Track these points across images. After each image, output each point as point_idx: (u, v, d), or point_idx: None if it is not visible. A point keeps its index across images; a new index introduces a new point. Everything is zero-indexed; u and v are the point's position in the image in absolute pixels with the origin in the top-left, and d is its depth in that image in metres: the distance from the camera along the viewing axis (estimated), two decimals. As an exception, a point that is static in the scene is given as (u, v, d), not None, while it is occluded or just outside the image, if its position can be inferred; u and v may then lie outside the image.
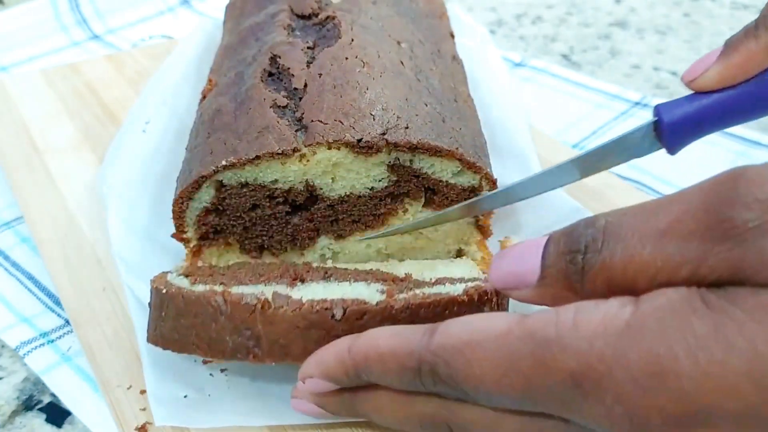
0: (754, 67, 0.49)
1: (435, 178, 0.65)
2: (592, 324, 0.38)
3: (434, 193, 0.66)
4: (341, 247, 0.68)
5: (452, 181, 0.65)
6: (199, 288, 0.55)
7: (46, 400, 0.65)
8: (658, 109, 0.56)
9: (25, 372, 0.67)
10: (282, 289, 0.55)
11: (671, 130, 0.55)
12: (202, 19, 1.09)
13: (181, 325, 0.54)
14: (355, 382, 0.49)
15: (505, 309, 0.57)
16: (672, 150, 0.56)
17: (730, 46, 0.53)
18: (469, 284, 0.54)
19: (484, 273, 0.62)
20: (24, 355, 0.67)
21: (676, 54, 1.23)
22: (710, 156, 0.89)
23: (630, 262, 0.39)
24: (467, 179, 0.65)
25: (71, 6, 1.29)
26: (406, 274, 0.60)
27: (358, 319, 0.50)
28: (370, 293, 0.54)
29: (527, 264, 0.43)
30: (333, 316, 0.50)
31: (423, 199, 0.66)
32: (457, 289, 0.53)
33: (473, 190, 0.65)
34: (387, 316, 0.50)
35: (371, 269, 0.63)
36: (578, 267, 0.40)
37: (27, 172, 0.87)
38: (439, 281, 0.58)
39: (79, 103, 1.01)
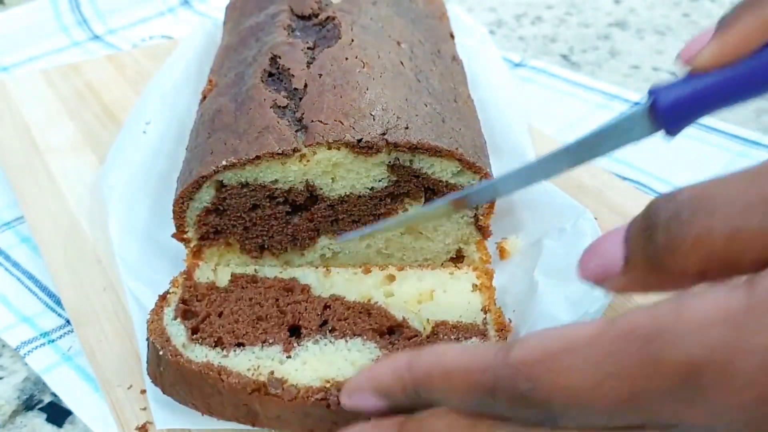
0: (749, 44, 0.45)
1: (435, 178, 0.65)
2: (704, 311, 0.34)
3: (434, 193, 0.66)
4: (341, 246, 0.68)
5: (452, 181, 0.65)
6: (197, 353, 0.55)
7: (47, 399, 0.65)
8: (653, 92, 0.52)
9: (26, 372, 0.67)
10: (278, 358, 0.55)
11: (668, 112, 0.51)
12: (202, 20, 1.09)
13: (180, 387, 0.55)
14: (411, 400, 0.44)
15: None
16: (671, 132, 0.52)
17: (725, 23, 0.49)
18: (468, 341, 0.56)
19: (479, 288, 0.62)
20: (25, 354, 0.67)
21: (675, 54, 1.23)
22: (710, 156, 0.89)
23: (735, 235, 0.35)
24: (467, 179, 0.65)
25: (71, 6, 1.30)
26: (404, 318, 0.60)
27: None
28: (364, 362, 0.55)
29: (611, 253, 0.40)
30: (329, 405, 0.51)
31: (423, 199, 0.66)
32: None
33: None
34: None
35: (370, 303, 0.61)
36: (658, 245, 0.37)
37: (27, 172, 0.87)
38: (437, 331, 0.58)
39: (80, 104, 1.01)
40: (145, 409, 0.59)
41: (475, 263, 0.68)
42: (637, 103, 1.04)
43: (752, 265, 0.35)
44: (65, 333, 0.69)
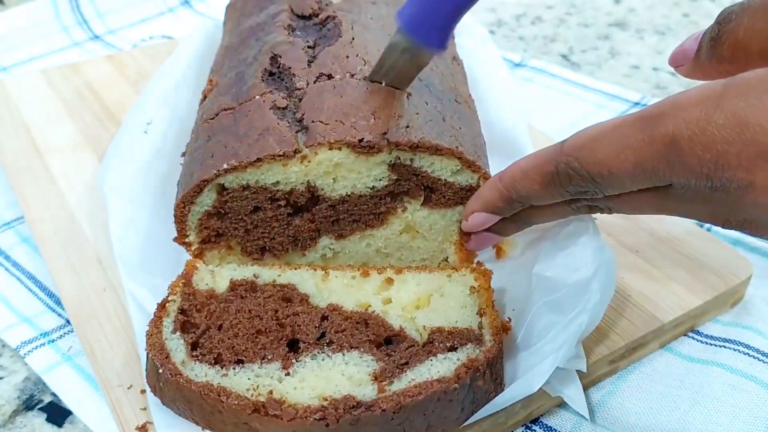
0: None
1: (434, 177, 0.65)
2: (689, 96, 0.47)
3: (432, 192, 0.66)
4: (342, 246, 0.68)
5: (451, 180, 0.65)
6: (196, 372, 0.56)
7: (47, 399, 0.65)
8: (398, 15, 0.62)
9: (26, 371, 0.67)
10: (277, 376, 0.56)
11: (411, 25, 0.62)
12: (202, 20, 1.09)
13: (180, 403, 0.55)
14: (511, 207, 0.60)
15: (500, 376, 0.57)
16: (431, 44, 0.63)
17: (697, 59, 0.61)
18: (462, 354, 0.56)
19: (477, 290, 0.63)
20: (25, 354, 0.67)
21: (675, 54, 1.23)
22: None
23: (748, 29, 0.51)
24: (465, 178, 0.65)
25: (72, 6, 1.30)
26: (401, 327, 0.60)
27: (353, 424, 0.52)
28: (361, 377, 0.55)
29: (689, 44, 0.58)
30: (327, 425, 0.52)
31: (422, 198, 0.66)
32: (449, 367, 0.55)
33: (471, 189, 0.65)
34: (379, 415, 0.52)
35: (367, 312, 0.61)
36: (715, 34, 0.54)
37: (28, 172, 0.87)
38: (432, 339, 0.58)
39: (80, 104, 1.01)
40: (145, 409, 0.59)
41: (455, 263, 0.68)
42: (637, 104, 1.04)
43: (759, 55, 0.51)
44: (65, 333, 0.69)
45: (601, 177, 0.51)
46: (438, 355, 0.57)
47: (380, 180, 0.64)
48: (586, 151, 0.52)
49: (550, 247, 0.64)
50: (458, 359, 0.56)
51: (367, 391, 0.54)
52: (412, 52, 0.63)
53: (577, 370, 0.58)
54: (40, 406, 0.64)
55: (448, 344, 0.58)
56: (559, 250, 0.62)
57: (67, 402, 0.63)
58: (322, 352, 0.58)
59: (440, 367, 0.56)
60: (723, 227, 0.52)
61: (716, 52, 0.54)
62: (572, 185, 0.54)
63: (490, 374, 0.56)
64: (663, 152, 0.48)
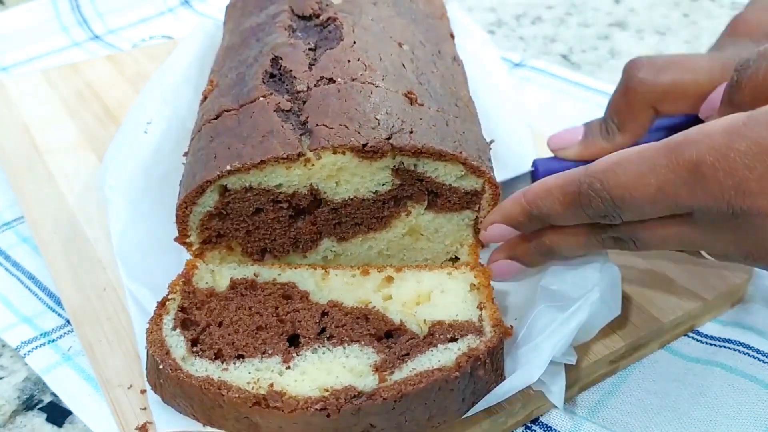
0: (605, 155, 0.60)
1: (439, 182, 0.65)
2: (714, 124, 0.49)
3: (437, 196, 0.66)
4: (343, 248, 0.68)
5: (455, 185, 0.65)
6: (197, 367, 0.56)
7: (47, 399, 0.65)
8: (535, 163, 0.76)
9: (26, 371, 0.67)
10: (278, 369, 0.56)
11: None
12: (202, 20, 1.09)
13: (180, 399, 0.55)
14: (531, 223, 0.60)
15: (500, 367, 0.58)
16: None
17: (588, 137, 0.73)
18: (462, 344, 0.56)
19: (477, 287, 0.63)
20: (25, 354, 0.67)
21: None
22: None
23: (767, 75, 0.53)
24: (470, 183, 0.65)
25: (72, 6, 1.30)
26: (401, 320, 0.60)
27: (354, 414, 0.52)
28: (362, 368, 0.55)
29: (716, 95, 0.63)
30: (329, 415, 0.52)
31: (426, 202, 0.66)
32: (449, 357, 0.55)
33: (475, 194, 0.65)
34: (380, 404, 0.52)
35: (368, 308, 0.61)
36: (734, 81, 0.56)
37: (28, 172, 0.87)
38: (433, 331, 0.58)
39: (80, 104, 1.01)
40: (145, 409, 0.59)
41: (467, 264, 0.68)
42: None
43: None
44: (65, 333, 0.69)
45: (622, 200, 0.52)
46: (439, 345, 0.57)
47: (383, 184, 0.64)
48: (609, 173, 0.53)
49: (558, 264, 0.64)
50: (459, 349, 0.56)
51: (368, 382, 0.54)
52: None
53: (569, 367, 0.59)
54: (40, 406, 0.64)
55: (448, 336, 0.58)
56: (567, 267, 0.63)
57: (67, 402, 0.63)
58: (323, 346, 0.58)
59: (441, 356, 0.55)
60: (745, 263, 0.53)
61: (736, 98, 0.56)
62: (592, 207, 0.54)
63: (490, 363, 0.56)
64: (685, 177, 0.48)
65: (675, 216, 0.52)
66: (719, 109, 0.58)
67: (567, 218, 0.58)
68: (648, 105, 0.68)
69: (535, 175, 0.75)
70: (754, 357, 0.66)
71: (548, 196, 0.57)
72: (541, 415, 0.62)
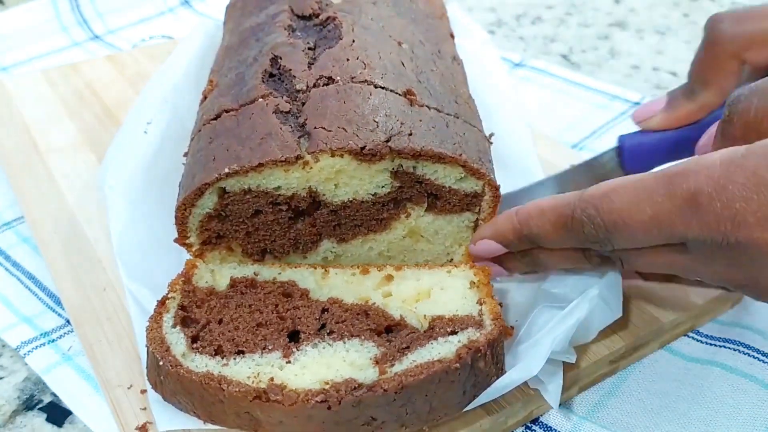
0: (690, 120, 0.61)
1: (438, 184, 0.64)
2: (713, 156, 0.49)
3: (437, 198, 0.66)
4: (343, 249, 0.68)
5: (455, 187, 0.65)
6: (197, 363, 0.56)
7: (47, 399, 0.65)
8: (621, 138, 0.73)
9: (26, 371, 0.67)
10: (278, 364, 0.56)
11: (630, 155, 0.71)
12: (202, 20, 1.09)
13: (181, 396, 0.55)
14: (520, 242, 0.60)
15: (501, 360, 0.58)
16: (629, 171, 0.69)
17: (672, 102, 0.69)
18: (462, 337, 0.56)
19: (476, 285, 0.63)
20: (25, 354, 0.67)
21: (675, 54, 1.23)
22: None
23: (759, 110, 0.53)
24: (470, 185, 0.65)
25: (72, 6, 1.30)
26: (401, 316, 0.60)
27: (354, 406, 0.52)
28: (362, 362, 0.55)
29: (708, 135, 0.60)
30: (329, 407, 0.52)
31: (426, 204, 0.66)
32: (450, 349, 0.55)
33: (476, 196, 0.65)
34: (381, 396, 0.52)
35: (368, 304, 0.61)
36: (726, 116, 0.55)
37: (28, 172, 0.87)
38: (433, 325, 0.58)
39: (80, 104, 1.01)
40: (145, 409, 0.59)
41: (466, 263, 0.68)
42: (637, 104, 1.04)
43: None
44: (65, 333, 0.69)
45: (615, 226, 0.52)
46: (439, 338, 0.57)
47: (383, 187, 0.64)
48: (604, 199, 0.52)
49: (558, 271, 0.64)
50: (459, 341, 0.56)
51: (368, 374, 0.54)
52: (613, 174, 0.69)
53: (568, 367, 0.60)
54: (40, 406, 0.64)
55: (449, 329, 0.58)
56: (568, 272, 0.64)
57: (67, 402, 0.63)
58: (323, 341, 0.58)
59: (441, 349, 0.55)
60: (736, 291, 0.53)
61: (728, 133, 0.55)
62: (584, 233, 0.54)
63: (491, 356, 0.56)
64: (681, 207, 0.49)
65: (667, 245, 0.52)
66: (714, 143, 0.58)
67: (557, 241, 0.57)
68: (734, 55, 0.65)
69: (620, 150, 0.73)
70: (753, 357, 0.66)
71: (540, 217, 0.57)
72: (541, 415, 0.62)
